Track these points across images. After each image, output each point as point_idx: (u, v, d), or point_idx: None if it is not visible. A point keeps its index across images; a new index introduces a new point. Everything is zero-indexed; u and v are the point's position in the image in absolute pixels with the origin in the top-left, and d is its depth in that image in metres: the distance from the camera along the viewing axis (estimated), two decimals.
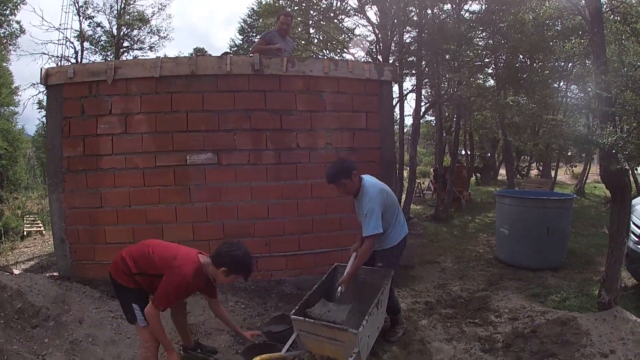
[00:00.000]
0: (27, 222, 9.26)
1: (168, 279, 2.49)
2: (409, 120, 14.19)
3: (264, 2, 13.90)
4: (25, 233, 8.51)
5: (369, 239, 3.23)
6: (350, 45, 9.52)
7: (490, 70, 9.84)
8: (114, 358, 3.26)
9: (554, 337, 3.21)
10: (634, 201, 4.58)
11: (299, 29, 9.54)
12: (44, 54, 17.40)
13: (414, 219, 9.12)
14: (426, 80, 9.21)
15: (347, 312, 3.17)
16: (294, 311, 3.00)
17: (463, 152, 18.44)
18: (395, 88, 9.80)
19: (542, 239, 5.32)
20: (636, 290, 4.48)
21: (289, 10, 8.53)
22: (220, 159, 4.35)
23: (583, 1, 4.53)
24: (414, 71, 9.10)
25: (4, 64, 16.82)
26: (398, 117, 9.85)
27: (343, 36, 9.52)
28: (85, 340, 3.32)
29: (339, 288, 3.28)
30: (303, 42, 9.96)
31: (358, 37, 9.58)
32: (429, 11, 8.52)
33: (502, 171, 18.48)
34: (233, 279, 2.67)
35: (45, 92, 7.44)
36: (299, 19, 8.99)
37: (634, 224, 4.39)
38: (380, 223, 3.20)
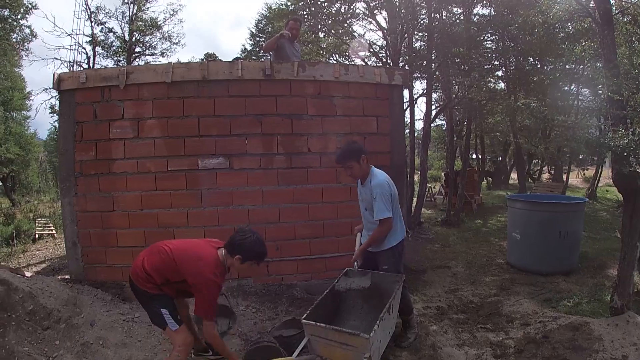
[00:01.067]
0: (39, 225, 9.38)
1: (205, 290, 2.56)
2: (419, 125, 14.16)
3: (273, 7, 14.00)
4: (37, 236, 8.63)
5: (382, 222, 3.23)
6: (354, 47, 9.52)
7: (500, 74, 9.79)
8: None
9: (566, 342, 3.20)
10: None
11: (309, 32, 9.56)
12: (56, 59, 17.73)
13: (425, 224, 9.09)
14: (437, 84, 9.19)
15: (369, 279, 3.42)
16: (305, 315, 2.99)
17: (474, 156, 18.37)
18: (406, 92, 9.76)
19: (554, 244, 5.27)
20: None
21: (299, 14, 8.57)
22: (231, 164, 4.38)
23: (592, 3, 4.50)
24: (424, 75, 9.08)
25: (16, 69, 17.11)
26: (409, 121, 9.82)
27: (351, 40, 9.54)
28: (96, 343, 3.34)
29: (355, 263, 3.47)
30: (310, 45, 9.99)
31: (361, 39, 9.57)
32: (439, 15, 8.50)
33: (514, 175, 18.33)
34: (248, 266, 2.72)
35: (57, 96, 7.55)
36: (310, 22, 9.02)
37: None
38: (388, 207, 3.19)
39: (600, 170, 13.71)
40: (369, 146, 4.61)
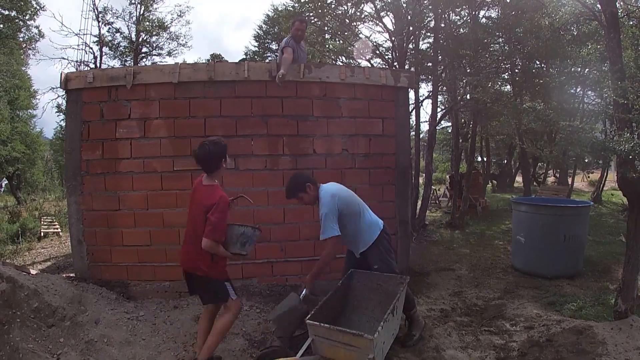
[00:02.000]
0: (45, 223, 9.42)
1: (220, 210, 2.82)
2: (425, 127, 14.17)
3: (279, 9, 14.06)
4: (42, 234, 8.67)
5: (327, 242, 3.31)
6: (358, 48, 9.52)
7: (506, 76, 9.77)
8: (129, 359, 3.29)
9: (570, 346, 3.18)
10: None
11: (314, 35, 9.58)
12: (63, 58, 17.86)
13: (430, 226, 9.08)
14: (442, 86, 9.18)
15: (374, 280, 3.52)
16: (309, 316, 3.00)
17: (479, 159, 18.32)
18: (412, 94, 9.79)
19: (559, 247, 5.25)
20: None
21: (305, 15, 8.58)
22: (237, 164, 4.40)
23: (599, 6, 4.49)
24: (430, 77, 9.08)
25: (22, 68, 17.23)
26: (414, 123, 9.81)
27: (357, 42, 9.56)
28: (100, 341, 3.37)
29: (304, 291, 3.46)
30: (318, 46, 10.01)
31: (366, 40, 9.57)
32: (445, 17, 8.50)
33: (519, 178, 18.28)
34: (225, 166, 3.10)
35: (64, 96, 7.59)
36: (317, 24, 9.03)
37: None
38: (332, 227, 3.27)
39: (605, 173, 13.65)
40: (374, 148, 4.66)
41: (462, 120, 11.91)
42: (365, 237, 3.50)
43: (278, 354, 3.01)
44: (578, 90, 11.34)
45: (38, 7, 14.85)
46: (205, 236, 2.79)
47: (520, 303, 4.42)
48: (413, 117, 9.54)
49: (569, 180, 13.30)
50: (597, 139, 4.75)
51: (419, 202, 9.49)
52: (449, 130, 15.44)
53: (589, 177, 17.78)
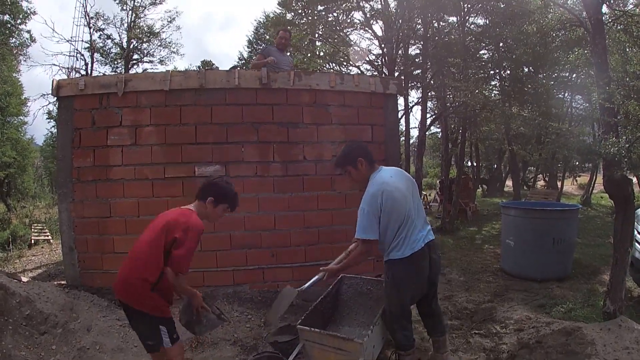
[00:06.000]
0: (35, 230, 9.35)
1: (190, 240, 2.41)
2: (415, 132, 14.30)
3: (271, 16, 14.16)
4: (33, 241, 8.58)
5: (361, 243, 2.90)
6: (353, 58, 9.62)
7: (495, 82, 9.92)
8: None
9: (559, 347, 3.20)
10: (638, 211, 4.58)
11: (306, 42, 9.67)
12: (54, 65, 17.78)
13: None
14: (432, 92, 9.29)
15: (364, 285, 3.41)
16: (299, 321, 3.03)
17: (469, 164, 18.43)
18: (401, 100, 9.90)
19: (548, 250, 5.30)
20: None
21: (297, 22, 8.68)
22: (228, 171, 4.42)
23: (584, 13, 4.58)
24: (419, 84, 9.19)
25: (14, 75, 17.11)
26: (404, 129, 9.92)
27: (348, 49, 9.66)
28: (92, 348, 3.35)
29: (319, 275, 3.10)
30: (309, 54, 10.10)
31: (360, 50, 9.68)
32: (435, 24, 8.62)
33: (509, 182, 18.41)
34: (222, 211, 2.65)
35: (55, 102, 7.57)
36: (307, 30, 9.12)
37: (638, 233, 4.39)
38: (372, 227, 2.79)
39: (595, 177, 13.83)
40: None
41: (452, 125, 12.02)
42: (388, 251, 2.92)
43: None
44: (566, 95, 11.51)
45: (29, 12, 14.80)
46: (170, 266, 2.40)
47: (510, 306, 4.45)
48: (403, 123, 9.65)
49: (559, 183, 13.44)
50: (584, 143, 4.84)
51: None
52: (439, 136, 15.61)
53: (576, 180, 17.96)
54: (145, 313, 2.46)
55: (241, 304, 4.26)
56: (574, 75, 10.38)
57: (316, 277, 3.11)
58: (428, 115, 10.01)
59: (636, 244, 4.35)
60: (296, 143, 4.56)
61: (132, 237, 4.29)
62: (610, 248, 3.87)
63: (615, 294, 3.46)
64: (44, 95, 15.99)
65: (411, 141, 12.41)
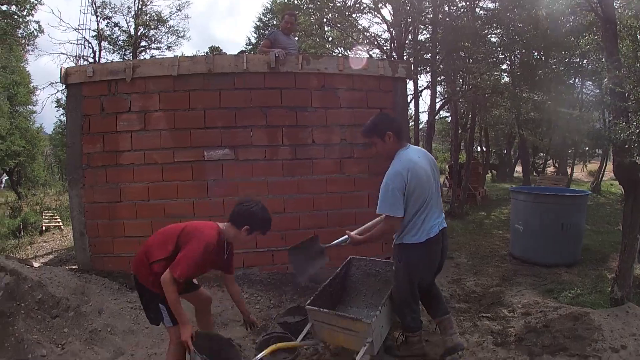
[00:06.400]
0: (46, 217, 9.48)
1: (190, 246, 2.41)
2: (424, 117, 14.17)
3: (278, 1, 14.02)
4: (44, 228, 8.71)
5: (385, 219, 2.81)
6: (360, 45, 9.52)
7: (505, 67, 9.79)
8: (133, 347, 3.34)
9: (566, 331, 3.21)
10: None
11: (315, 25, 9.59)
12: (62, 53, 17.79)
13: None
14: (441, 77, 9.19)
15: (372, 267, 3.32)
16: (309, 302, 3.05)
17: (478, 149, 18.30)
18: (410, 85, 9.79)
19: (557, 236, 5.29)
20: None
21: (304, 8, 8.61)
22: (237, 155, 4.45)
23: None
24: (428, 68, 9.08)
25: (22, 64, 17.21)
26: (413, 113, 9.85)
27: (357, 35, 9.55)
28: (104, 330, 3.40)
29: (342, 238, 3.09)
30: (318, 39, 10.02)
31: (370, 35, 9.57)
32: (444, 8, 8.49)
33: (519, 168, 18.26)
34: (254, 237, 2.67)
35: (64, 90, 7.62)
36: (315, 15, 9.04)
37: None
38: (397, 204, 2.70)
39: (605, 164, 13.67)
40: None
41: (462, 110, 11.89)
42: (402, 233, 2.86)
43: (280, 340, 3.07)
44: (577, 81, 11.34)
45: (36, 2, 14.80)
46: (171, 268, 2.39)
47: (518, 290, 4.47)
48: (412, 108, 9.58)
49: (568, 170, 13.32)
50: (594, 128, 4.78)
51: None
52: (448, 120, 15.45)
53: (585, 166, 17.78)
54: (147, 288, 2.55)
55: (251, 286, 4.31)
56: (585, 61, 10.21)
57: (340, 239, 3.12)
58: (437, 100, 9.92)
59: None
60: (305, 127, 4.55)
61: (142, 221, 4.40)
62: (620, 235, 3.84)
63: (623, 281, 3.45)
64: (52, 83, 16.08)
65: (420, 126, 12.30)
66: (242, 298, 3.09)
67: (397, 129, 2.86)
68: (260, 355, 2.78)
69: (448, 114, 14.82)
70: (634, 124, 3.29)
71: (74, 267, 4.57)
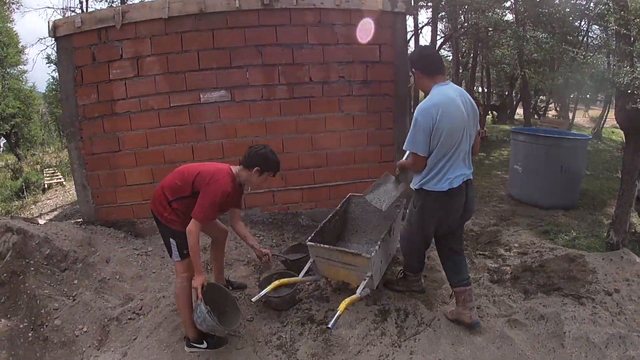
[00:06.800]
0: (47, 175, 9.51)
1: (207, 191, 2.57)
2: None
3: None
4: (46, 186, 8.75)
5: (410, 155, 2.64)
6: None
7: (508, 4, 9.39)
8: (141, 292, 3.44)
9: (561, 272, 3.29)
10: None
11: None
12: (48, 7, 17.09)
13: None
14: (442, 13, 8.81)
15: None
16: (309, 238, 3.10)
17: (479, 89, 17.94)
18: (410, 21, 9.43)
19: (555, 178, 5.31)
20: None
21: None
22: (233, 96, 4.37)
23: None
24: (429, 3, 8.71)
25: (8, 25, 16.61)
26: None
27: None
28: (112, 278, 3.49)
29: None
30: None
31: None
32: None
33: (520, 110, 17.88)
34: (265, 178, 2.79)
35: (53, 45, 7.39)
36: None
37: None
38: (420, 142, 2.51)
39: (607, 111, 13.47)
40: (371, 75, 4.59)
41: (463, 48, 11.52)
42: (421, 176, 2.67)
43: (282, 277, 3.14)
44: (582, 23, 10.96)
45: None
46: (192, 212, 2.58)
47: (515, 230, 4.54)
48: (412, 45, 9.30)
49: (570, 114, 13.15)
50: (597, 70, 4.65)
51: None
52: (449, 59, 15.01)
53: (588, 113, 17.53)
54: (162, 223, 2.71)
55: (253, 227, 4.38)
56: (592, 3, 9.82)
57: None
58: (438, 37, 9.59)
59: None
60: (302, 64, 4.44)
61: (143, 168, 4.40)
62: (618, 182, 3.83)
63: (619, 226, 3.48)
64: (41, 39, 15.63)
65: None
66: (248, 231, 3.20)
67: (423, 66, 2.63)
68: (263, 291, 2.88)
69: (449, 52, 14.38)
70: (639, 68, 3.19)
71: (79, 220, 4.61)
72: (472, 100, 2.69)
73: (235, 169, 2.79)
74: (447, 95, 2.52)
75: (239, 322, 2.85)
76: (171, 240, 2.70)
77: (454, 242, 2.91)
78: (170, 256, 2.78)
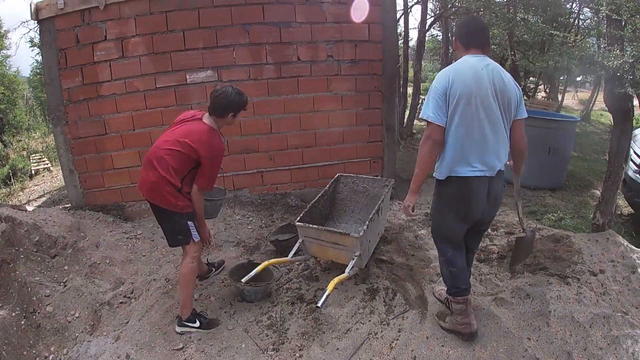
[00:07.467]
0: (34, 160, 9.35)
1: (215, 161, 2.62)
2: (414, 34, 13.59)
3: None
4: (33, 172, 8.60)
5: (427, 126, 2.29)
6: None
7: None
8: (132, 275, 3.43)
9: (547, 252, 3.31)
10: (636, 130, 4.53)
11: None
12: None
13: (417, 135, 9.11)
14: None
15: (360, 184, 3.31)
16: (298, 218, 3.11)
17: None
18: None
19: (543, 159, 5.34)
20: (632, 219, 4.57)
21: None
22: (220, 76, 4.31)
23: None
24: None
25: None
26: (402, 30, 9.41)
27: None
28: (102, 262, 3.47)
29: None
30: None
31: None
32: None
33: None
34: (238, 117, 2.81)
35: (36, 28, 7.16)
36: None
37: (634, 152, 4.39)
38: (433, 108, 2.23)
39: (596, 94, 13.57)
40: (360, 54, 4.55)
41: (453, 28, 11.43)
42: (440, 162, 2.38)
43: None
44: (574, 5, 10.93)
45: None
46: (198, 184, 2.64)
47: (502, 210, 4.55)
48: (401, 24, 9.20)
49: (560, 96, 13.23)
50: (587, 53, 4.65)
51: (407, 112, 9.41)
52: (439, 39, 14.91)
53: (577, 95, 17.64)
54: (175, 212, 2.64)
55: (242, 208, 4.38)
56: None
57: None
58: (428, 16, 9.45)
59: (631, 162, 4.36)
60: (289, 43, 4.38)
61: (130, 151, 4.35)
62: (605, 164, 3.87)
63: (605, 208, 3.49)
64: (24, 22, 15.14)
65: (410, 43, 11.72)
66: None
67: (459, 34, 2.42)
68: (253, 271, 2.89)
69: (439, 32, 14.28)
70: (628, 52, 3.19)
71: (67, 205, 4.58)
72: (513, 81, 2.36)
73: (209, 120, 2.72)
74: (469, 63, 2.26)
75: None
76: (189, 223, 2.69)
77: (474, 243, 2.72)
78: (187, 242, 2.72)
